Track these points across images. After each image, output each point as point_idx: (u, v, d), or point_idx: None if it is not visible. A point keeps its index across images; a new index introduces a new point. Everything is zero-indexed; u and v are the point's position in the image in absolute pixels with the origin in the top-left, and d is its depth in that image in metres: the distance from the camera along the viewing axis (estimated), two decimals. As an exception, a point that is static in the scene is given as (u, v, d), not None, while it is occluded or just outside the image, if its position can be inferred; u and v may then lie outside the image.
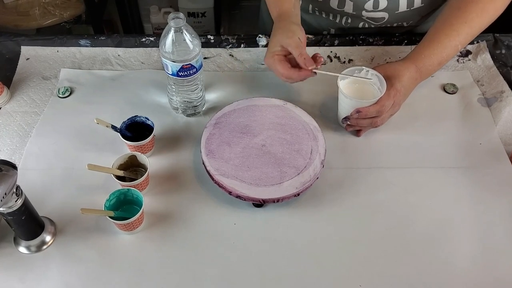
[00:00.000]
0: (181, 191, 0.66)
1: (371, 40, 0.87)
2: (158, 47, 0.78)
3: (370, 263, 0.59)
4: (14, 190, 0.51)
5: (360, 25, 0.86)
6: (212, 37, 0.87)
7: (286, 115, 0.71)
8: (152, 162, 0.68)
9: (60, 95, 0.78)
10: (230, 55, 0.86)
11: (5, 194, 0.49)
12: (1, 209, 0.52)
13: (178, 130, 0.74)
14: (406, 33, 0.88)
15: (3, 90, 0.77)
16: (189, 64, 0.66)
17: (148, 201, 0.64)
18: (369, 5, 0.79)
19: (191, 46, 0.65)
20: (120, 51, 0.86)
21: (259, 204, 0.63)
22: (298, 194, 0.62)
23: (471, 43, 0.85)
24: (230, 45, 0.87)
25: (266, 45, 0.86)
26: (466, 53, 0.86)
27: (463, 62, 0.85)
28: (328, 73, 0.68)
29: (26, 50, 0.85)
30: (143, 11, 1.89)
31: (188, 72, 0.68)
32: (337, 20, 0.86)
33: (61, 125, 0.74)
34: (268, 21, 0.80)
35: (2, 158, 0.58)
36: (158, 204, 0.64)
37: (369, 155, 0.71)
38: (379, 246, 0.60)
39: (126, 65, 0.84)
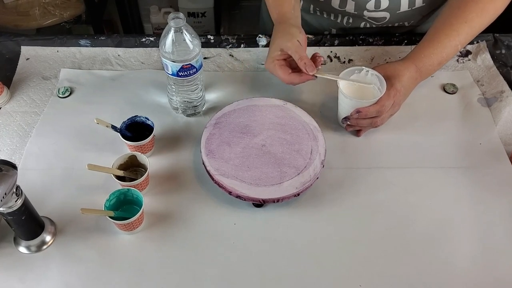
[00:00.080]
0: (181, 191, 0.66)
1: (371, 40, 0.87)
2: (158, 47, 0.78)
3: (370, 263, 0.59)
4: (14, 190, 0.51)
5: (362, 25, 0.86)
6: (212, 37, 0.87)
7: (286, 115, 0.71)
8: (152, 162, 0.68)
9: (60, 95, 0.78)
10: (230, 55, 0.86)
11: (5, 194, 0.49)
12: (1, 209, 0.52)
13: (178, 130, 0.74)
14: (406, 33, 0.88)
15: (3, 90, 0.77)
16: (189, 64, 0.66)
17: (148, 201, 0.64)
18: (370, 5, 0.79)
19: (191, 46, 0.65)
20: (120, 51, 0.86)
21: (259, 204, 0.63)
22: (298, 194, 0.62)
23: (471, 43, 0.85)
24: (230, 45, 0.87)
25: (266, 45, 0.86)
26: (466, 53, 0.86)
27: (463, 62, 0.85)
28: (328, 77, 0.68)
29: (26, 50, 0.85)
30: (143, 11, 1.89)
31: (188, 72, 0.68)
32: (339, 20, 0.86)
33: (61, 125, 0.74)
34: (268, 21, 0.80)
35: (2, 158, 0.58)
36: (158, 204, 0.64)
37: (369, 155, 0.71)
38: (379, 246, 0.60)
39: (126, 65, 0.84)
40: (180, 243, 0.61)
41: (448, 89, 0.80)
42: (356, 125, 0.70)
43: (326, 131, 0.72)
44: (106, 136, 0.70)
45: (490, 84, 0.81)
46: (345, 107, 0.70)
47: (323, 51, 0.86)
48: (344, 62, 0.85)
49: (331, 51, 0.86)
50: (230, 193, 0.62)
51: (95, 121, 0.64)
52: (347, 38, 0.87)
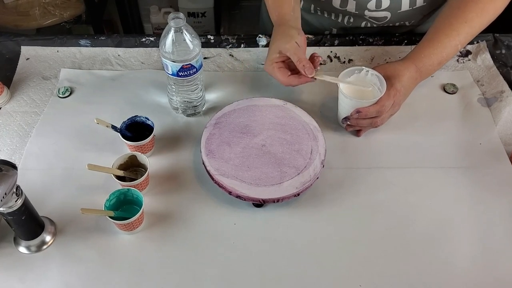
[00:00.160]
0: (181, 191, 0.66)
1: (371, 40, 0.87)
2: (158, 47, 0.78)
3: (370, 263, 0.59)
4: (14, 190, 0.51)
5: (363, 24, 0.86)
6: (212, 37, 0.87)
7: (286, 115, 0.71)
8: (152, 162, 0.68)
9: (60, 95, 0.78)
10: (230, 55, 0.86)
11: (5, 194, 0.49)
12: (1, 209, 0.52)
13: (178, 130, 0.74)
14: (406, 33, 0.88)
15: (3, 90, 0.77)
16: (189, 64, 0.66)
17: (148, 201, 0.64)
18: (371, 4, 0.79)
19: (191, 46, 0.65)
20: (120, 51, 0.86)
21: (259, 204, 0.63)
22: (298, 194, 0.62)
23: (471, 43, 0.85)
24: (230, 45, 0.87)
25: (266, 45, 0.86)
26: (466, 53, 0.86)
27: (463, 62, 0.85)
28: (327, 79, 0.68)
29: (26, 50, 0.85)
30: (143, 11, 1.89)
31: (188, 72, 0.68)
32: (339, 20, 0.86)
33: (61, 125, 0.74)
34: (268, 21, 0.80)
35: (2, 158, 0.58)
36: (158, 204, 0.64)
37: (369, 155, 0.71)
38: (379, 246, 0.60)
39: (126, 65, 0.84)
40: (180, 243, 0.61)
41: (448, 89, 0.80)
42: (356, 125, 0.70)
43: (326, 131, 0.72)
44: (106, 136, 0.70)
45: (490, 84, 0.81)
46: (345, 107, 0.70)
47: (323, 51, 0.86)
48: (344, 62, 0.85)
49: (331, 51, 0.86)
50: (230, 193, 0.62)
51: (95, 121, 0.64)
52: (347, 38, 0.87)
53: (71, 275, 0.57)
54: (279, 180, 0.63)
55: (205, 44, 0.86)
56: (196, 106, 0.75)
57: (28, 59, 0.85)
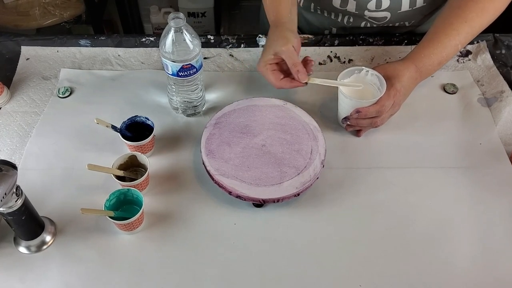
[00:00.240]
0: (181, 191, 0.66)
1: (371, 40, 0.87)
2: (158, 47, 0.78)
3: (370, 263, 0.59)
4: (14, 190, 0.51)
5: (362, 24, 0.86)
6: (212, 37, 0.87)
7: (286, 115, 0.71)
8: (152, 162, 0.68)
9: (60, 95, 0.78)
10: (230, 55, 0.86)
11: (5, 194, 0.49)
12: (1, 209, 0.52)
13: (178, 130, 0.74)
14: (406, 33, 0.88)
15: (3, 90, 0.77)
16: (189, 64, 0.66)
17: (148, 201, 0.64)
18: (371, 4, 0.79)
19: (191, 46, 0.65)
20: (120, 51, 0.86)
21: (259, 204, 0.63)
22: (298, 194, 0.62)
23: (471, 43, 0.85)
24: (230, 45, 0.87)
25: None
26: (466, 53, 0.86)
27: (463, 62, 0.85)
28: (319, 82, 0.69)
29: (26, 50, 0.85)
30: (143, 11, 1.89)
31: (188, 72, 0.68)
32: (339, 19, 0.86)
33: (61, 125, 0.74)
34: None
35: (2, 158, 0.58)
36: (158, 204, 0.64)
37: (369, 155, 0.71)
38: (379, 246, 0.60)
39: (126, 65, 0.84)
40: (180, 243, 0.61)
41: (448, 89, 0.80)
42: (356, 125, 0.70)
43: (326, 131, 0.72)
44: (106, 136, 0.70)
45: (490, 84, 0.81)
46: (345, 107, 0.70)
47: (323, 51, 0.86)
48: (344, 62, 0.85)
49: (331, 51, 0.86)
50: (230, 193, 0.62)
51: (95, 121, 0.64)
52: (347, 38, 0.87)
53: (71, 275, 0.57)
54: (279, 180, 0.63)
55: (205, 44, 0.86)
56: (196, 106, 0.75)
57: (28, 59, 0.85)
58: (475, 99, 0.79)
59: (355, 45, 0.87)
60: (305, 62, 0.69)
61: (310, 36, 0.87)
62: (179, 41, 0.64)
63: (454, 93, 0.80)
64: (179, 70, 0.67)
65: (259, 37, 0.87)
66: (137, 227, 0.61)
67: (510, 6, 0.71)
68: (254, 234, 0.62)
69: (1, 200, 0.48)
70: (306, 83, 0.68)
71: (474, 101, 0.78)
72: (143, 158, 0.65)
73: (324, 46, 0.87)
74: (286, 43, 0.67)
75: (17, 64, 0.84)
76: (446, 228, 0.62)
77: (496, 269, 0.58)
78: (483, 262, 0.59)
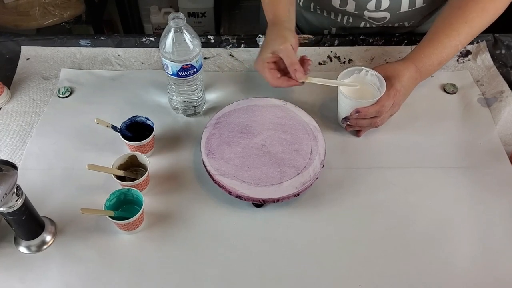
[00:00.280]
0: (181, 191, 0.66)
1: (371, 40, 0.87)
2: (158, 47, 0.78)
3: (370, 263, 0.59)
4: (15, 190, 0.51)
5: (362, 24, 0.86)
6: (212, 37, 0.87)
7: (286, 115, 0.71)
8: (152, 162, 0.68)
9: (60, 95, 0.79)
10: (230, 55, 0.86)
11: (6, 194, 0.49)
12: (1, 209, 0.52)
13: (178, 130, 0.74)
14: (406, 33, 0.88)
15: (3, 90, 0.77)
16: (189, 64, 0.66)
17: (148, 201, 0.64)
18: (371, 5, 0.79)
19: (191, 46, 0.65)
20: (120, 51, 0.86)
21: (259, 204, 0.63)
22: (298, 194, 0.62)
23: (471, 43, 0.85)
24: (230, 45, 0.87)
25: (266, 45, 0.86)
26: (466, 53, 0.86)
27: (463, 62, 0.85)
28: (316, 82, 0.68)
29: (26, 50, 0.85)
30: (143, 11, 1.89)
31: (188, 72, 0.68)
32: (339, 19, 0.86)
33: (61, 125, 0.74)
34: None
35: (3, 158, 0.58)
36: (158, 204, 0.64)
37: (369, 155, 0.71)
38: (379, 246, 0.60)
39: (126, 65, 0.84)
40: (180, 243, 0.61)
41: (448, 89, 0.80)
42: (356, 125, 0.70)
43: (326, 131, 0.73)
44: (106, 136, 0.70)
45: (490, 84, 0.81)
46: (345, 107, 0.70)
47: (323, 51, 0.86)
48: (344, 62, 0.85)
49: (331, 51, 0.86)
50: (230, 193, 0.62)
51: (95, 121, 0.64)
52: (347, 38, 0.87)
53: (71, 275, 0.57)
54: (279, 180, 0.63)
55: (205, 44, 0.86)
56: (196, 106, 0.75)
57: (28, 59, 0.85)
58: (475, 99, 0.79)
59: (355, 45, 0.87)
60: (302, 61, 0.69)
61: (310, 36, 0.87)
62: (179, 41, 0.64)
63: (454, 93, 0.80)
64: (179, 70, 0.67)
65: (259, 37, 0.87)
66: (137, 227, 0.61)
67: (510, 6, 0.71)
68: (254, 234, 0.62)
69: (2, 200, 0.48)
70: (303, 82, 0.68)
71: (474, 101, 0.78)
72: (143, 158, 0.65)
73: (324, 46, 0.87)
74: (284, 41, 0.67)
75: (17, 64, 0.84)
76: (446, 228, 0.62)
77: (496, 269, 0.58)
78: (483, 262, 0.59)
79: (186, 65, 0.66)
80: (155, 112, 0.75)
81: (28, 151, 0.70)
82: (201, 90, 0.74)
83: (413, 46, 0.83)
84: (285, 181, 0.63)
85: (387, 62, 0.84)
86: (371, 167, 0.69)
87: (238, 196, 0.62)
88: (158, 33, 0.73)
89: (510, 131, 0.74)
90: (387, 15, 0.81)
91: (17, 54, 0.85)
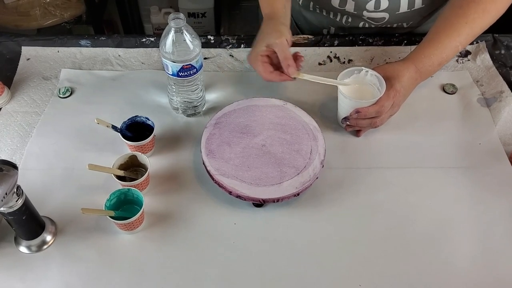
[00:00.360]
0: (181, 191, 0.66)
1: (370, 40, 0.87)
2: (158, 47, 0.78)
3: (370, 263, 0.59)
4: (15, 190, 0.51)
5: (360, 24, 0.86)
6: (212, 38, 0.87)
7: (286, 115, 0.71)
8: (153, 162, 0.68)
9: (61, 95, 0.79)
10: (230, 55, 0.86)
11: (6, 194, 0.49)
12: (2, 209, 0.52)
13: (178, 130, 0.74)
14: (406, 33, 0.88)
15: (3, 90, 0.77)
16: (189, 64, 0.67)
17: (148, 201, 0.64)
18: (370, 5, 0.79)
19: (191, 46, 0.65)
20: (120, 51, 0.86)
21: (259, 204, 0.63)
22: (298, 194, 0.62)
23: (471, 43, 0.85)
24: (230, 45, 0.87)
25: (266, 45, 0.86)
26: (465, 54, 0.86)
27: (463, 62, 0.85)
28: (308, 78, 0.68)
29: (27, 51, 0.86)
30: (143, 12, 1.89)
31: (188, 72, 0.68)
32: (338, 19, 0.86)
33: (61, 125, 0.74)
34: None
35: (3, 158, 0.58)
36: (158, 204, 0.64)
37: (369, 155, 0.71)
38: (379, 246, 0.61)
39: (126, 65, 0.85)
40: (180, 243, 0.61)
41: (448, 89, 0.80)
42: (355, 125, 0.70)
43: (326, 131, 0.73)
44: (107, 136, 0.70)
45: (490, 84, 0.81)
46: (344, 107, 0.70)
47: (322, 51, 0.86)
48: (344, 62, 0.85)
49: (331, 51, 0.86)
50: (230, 193, 0.62)
51: (95, 121, 0.64)
52: (346, 38, 0.87)
53: (71, 275, 0.57)
54: (279, 180, 0.63)
55: (205, 45, 0.86)
56: (196, 106, 0.75)
57: (28, 59, 0.85)
58: (474, 99, 0.79)
59: (355, 46, 0.87)
60: (295, 57, 0.69)
61: (310, 36, 0.88)
62: (179, 41, 0.64)
63: (454, 93, 0.80)
64: (179, 70, 0.67)
65: (259, 37, 0.87)
66: (137, 227, 0.61)
67: (509, 7, 0.71)
68: (254, 234, 0.62)
69: (2, 200, 0.49)
70: (295, 78, 0.68)
71: (474, 101, 0.78)
72: (143, 158, 0.65)
73: (324, 46, 0.87)
74: (279, 36, 0.67)
75: (17, 64, 0.84)
76: (446, 228, 0.62)
77: (496, 269, 0.58)
78: (483, 262, 0.59)
79: (186, 65, 0.66)
80: (155, 112, 0.75)
81: (28, 151, 0.70)
82: (201, 90, 0.74)
83: (413, 47, 0.83)
84: (285, 181, 0.63)
85: (387, 63, 0.84)
86: (371, 167, 0.69)
87: (238, 196, 0.62)
88: (158, 33, 0.74)
89: (509, 131, 0.74)
90: (386, 15, 0.81)
91: (18, 54, 0.85)
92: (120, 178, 0.63)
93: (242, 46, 0.87)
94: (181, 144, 0.72)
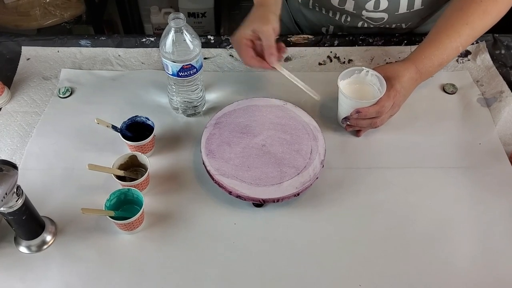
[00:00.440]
0: (181, 191, 0.66)
1: (370, 40, 0.87)
2: (158, 47, 0.78)
3: (370, 263, 0.59)
4: (15, 190, 0.51)
5: (359, 24, 0.86)
6: (212, 37, 0.87)
7: (286, 115, 0.71)
8: (152, 162, 0.68)
9: (61, 95, 0.79)
10: (230, 55, 0.86)
11: (6, 194, 0.49)
12: (2, 209, 0.52)
13: (178, 130, 0.74)
14: (406, 33, 0.88)
15: (3, 90, 0.77)
16: (189, 64, 0.67)
17: (148, 201, 0.64)
18: (370, 5, 0.79)
19: (191, 46, 0.65)
20: (120, 51, 0.86)
21: (259, 204, 0.63)
22: (298, 194, 0.62)
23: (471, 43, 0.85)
24: (230, 45, 0.87)
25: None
26: (465, 53, 0.86)
27: (463, 62, 0.85)
28: (284, 73, 0.68)
29: (27, 50, 0.86)
30: (143, 11, 1.89)
31: (188, 72, 0.68)
32: (337, 18, 0.86)
33: (61, 125, 0.74)
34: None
35: (3, 158, 0.58)
36: (158, 204, 0.64)
37: (369, 155, 0.71)
38: (379, 246, 0.61)
39: (126, 65, 0.85)
40: (180, 243, 0.61)
41: (448, 89, 0.80)
42: (355, 125, 0.70)
43: (326, 131, 0.73)
44: (107, 136, 0.70)
45: (490, 84, 0.81)
46: (345, 107, 0.70)
47: (323, 52, 0.86)
48: (344, 62, 0.85)
49: (331, 51, 0.86)
50: (230, 193, 0.62)
51: (95, 121, 0.64)
52: (346, 38, 0.87)
53: (71, 275, 0.57)
54: (279, 180, 0.63)
55: (205, 45, 0.86)
56: (196, 106, 0.75)
57: (28, 59, 0.85)
58: (474, 99, 0.79)
59: (355, 45, 0.87)
60: (278, 47, 0.68)
61: (310, 36, 0.88)
62: (179, 41, 0.64)
63: (454, 93, 0.80)
64: (179, 70, 0.67)
65: (259, 37, 0.87)
66: (137, 227, 0.61)
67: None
68: (254, 234, 0.62)
69: (2, 200, 0.49)
70: (274, 68, 0.68)
71: (474, 101, 0.78)
72: (143, 158, 0.65)
73: (324, 46, 0.87)
74: (267, 23, 0.67)
75: (17, 64, 0.84)
76: (446, 228, 0.62)
77: (496, 269, 0.58)
78: (483, 262, 0.59)
79: (186, 65, 0.66)
80: (155, 112, 0.75)
81: (28, 151, 0.70)
82: (201, 90, 0.74)
83: (413, 47, 0.83)
84: (285, 181, 0.63)
85: (387, 63, 0.84)
86: (371, 167, 0.69)
87: (238, 196, 0.62)
88: (158, 33, 0.74)
89: (509, 131, 0.74)
90: (385, 15, 0.81)
91: (18, 54, 0.85)
92: (120, 178, 0.63)
93: (242, 46, 0.86)
94: (181, 144, 0.72)
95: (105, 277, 0.57)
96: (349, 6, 0.80)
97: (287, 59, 0.85)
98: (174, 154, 0.70)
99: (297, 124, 0.70)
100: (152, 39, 0.87)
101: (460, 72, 0.83)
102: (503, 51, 0.86)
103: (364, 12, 0.81)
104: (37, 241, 0.59)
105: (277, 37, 0.68)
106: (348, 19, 0.85)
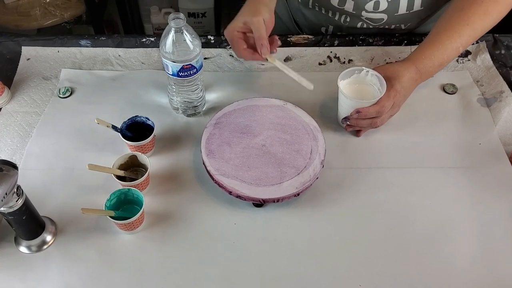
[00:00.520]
0: (181, 191, 0.66)
1: (371, 40, 0.87)
2: (158, 47, 0.78)
3: (370, 263, 0.59)
4: (15, 190, 0.51)
5: (359, 25, 0.86)
6: (212, 38, 0.87)
7: (286, 115, 0.71)
8: (153, 162, 0.68)
9: (61, 95, 0.79)
10: (230, 55, 0.86)
11: (6, 194, 0.49)
12: (2, 209, 0.52)
13: (178, 130, 0.74)
14: (406, 33, 0.88)
15: (4, 90, 0.77)
16: (190, 64, 0.67)
17: (148, 201, 0.64)
18: (369, 5, 0.79)
19: (191, 46, 0.65)
20: (120, 51, 0.86)
21: (259, 204, 0.63)
22: (298, 194, 0.62)
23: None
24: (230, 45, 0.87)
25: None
26: (465, 54, 0.86)
27: (463, 62, 0.85)
28: (277, 65, 0.68)
29: (27, 51, 0.86)
30: (143, 12, 1.89)
31: (189, 72, 0.68)
32: (336, 18, 0.86)
33: (61, 125, 0.74)
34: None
35: (3, 158, 0.58)
36: (158, 204, 0.64)
37: (369, 155, 0.71)
38: (379, 246, 0.61)
39: (126, 65, 0.85)
40: (180, 243, 0.61)
41: (448, 89, 0.80)
42: (356, 125, 0.70)
43: (326, 131, 0.73)
44: (107, 136, 0.70)
45: (490, 84, 0.81)
46: (345, 107, 0.70)
47: (323, 52, 0.86)
48: (344, 62, 0.85)
49: (331, 52, 0.86)
50: (230, 193, 0.62)
51: (95, 121, 0.64)
52: (347, 38, 0.87)
53: (71, 275, 0.57)
54: (279, 180, 0.63)
55: (205, 45, 0.86)
56: (196, 106, 0.75)
57: (28, 59, 0.85)
58: (474, 99, 0.79)
59: (355, 46, 0.87)
60: (272, 40, 0.68)
61: (310, 36, 0.88)
62: (179, 41, 0.64)
63: (454, 93, 0.80)
64: (180, 70, 0.67)
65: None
66: (138, 227, 0.61)
67: (509, 7, 0.71)
68: (254, 234, 0.62)
69: (2, 200, 0.49)
70: (267, 59, 0.68)
71: (474, 101, 0.78)
72: (143, 158, 0.65)
73: (324, 46, 0.87)
74: (257, 14, 0.67)
75: (17, 64, 0.84)
76: (446, 228, 0.62)
77: (496, 269, 0.58)
78: (483, 262, 0.59)
79: (186, 65, 0.66)
80: (155, 112, 0.75)
81: (28, 151, 0.70)
82: (201, 90, 0.74)
83: (413, 47, 0.83)
84: (285, 181, 0.63)
85: (387, 63, 0.84)
86: (371, 167, 0.69)
87: (238, 196, 0.62)
88: (159, 33, 0.74)
89: (510, 131, 0.74)
90: (384, 16, 0.81)
91: (18, 54, 0.85)
92: (120, 178, 0.63)
93: (242, 46, 0.86)
94: (181, 144, 0.72)
95: (105, 277, 0.57)
96: (349, 6, 0.80)
97: (287, 59, 0.85)
98: (174, 154, 0.70)
99: (297, 124, 0.70)
100: (152, 39, 0.87)
101: (460, 72, 0.84)
102: (503, 51, 0.86)
103: (363, 13, 0.81)
104: (37, 241, 0.59)
105: (273, 28, 0.67)
106: (348, 19, 0.85)
